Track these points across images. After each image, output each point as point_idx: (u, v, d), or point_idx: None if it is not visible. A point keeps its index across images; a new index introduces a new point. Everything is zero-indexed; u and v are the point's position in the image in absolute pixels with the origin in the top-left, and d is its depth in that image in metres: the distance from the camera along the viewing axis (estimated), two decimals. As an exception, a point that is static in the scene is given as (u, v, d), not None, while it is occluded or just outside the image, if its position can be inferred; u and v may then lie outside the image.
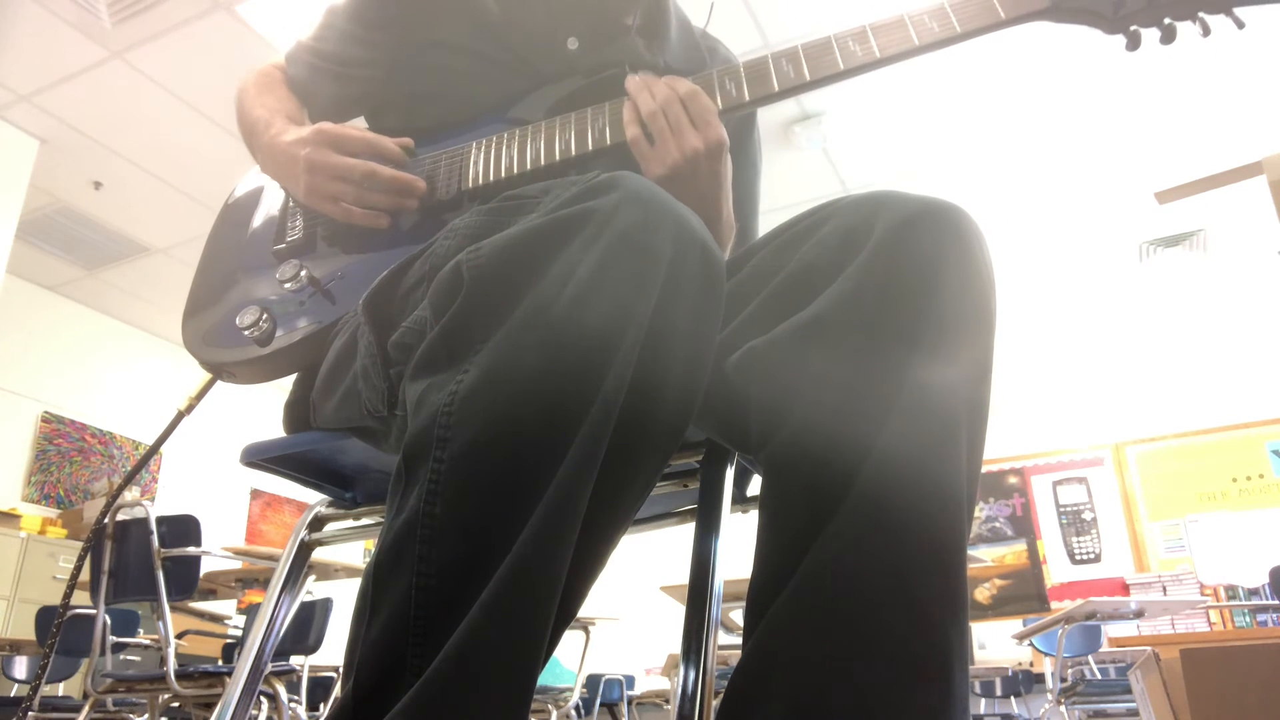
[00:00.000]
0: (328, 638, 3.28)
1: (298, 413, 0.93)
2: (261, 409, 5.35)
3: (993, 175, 4.47)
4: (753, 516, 0.69)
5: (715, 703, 0.63)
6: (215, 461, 6.08)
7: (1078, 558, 6.35)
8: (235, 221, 1.06)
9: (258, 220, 1.03)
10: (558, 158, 0.87)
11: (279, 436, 0.95)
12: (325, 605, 3.28)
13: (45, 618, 3.49)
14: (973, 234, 0.65)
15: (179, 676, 2.40)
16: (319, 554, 1.20)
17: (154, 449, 1.10)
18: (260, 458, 0.95)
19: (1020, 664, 5.68)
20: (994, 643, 6.19)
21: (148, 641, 3.68)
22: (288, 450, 0.93)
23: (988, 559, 6.52)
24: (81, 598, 2.67)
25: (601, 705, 4.94)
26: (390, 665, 0.51)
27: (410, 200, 0.91)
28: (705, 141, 0.82)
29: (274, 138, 0.96)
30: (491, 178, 0.89)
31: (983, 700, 5.54)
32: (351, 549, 5.74)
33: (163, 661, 2.40)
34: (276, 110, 1.00)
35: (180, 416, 1.06)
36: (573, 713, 3.52)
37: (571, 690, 3.50)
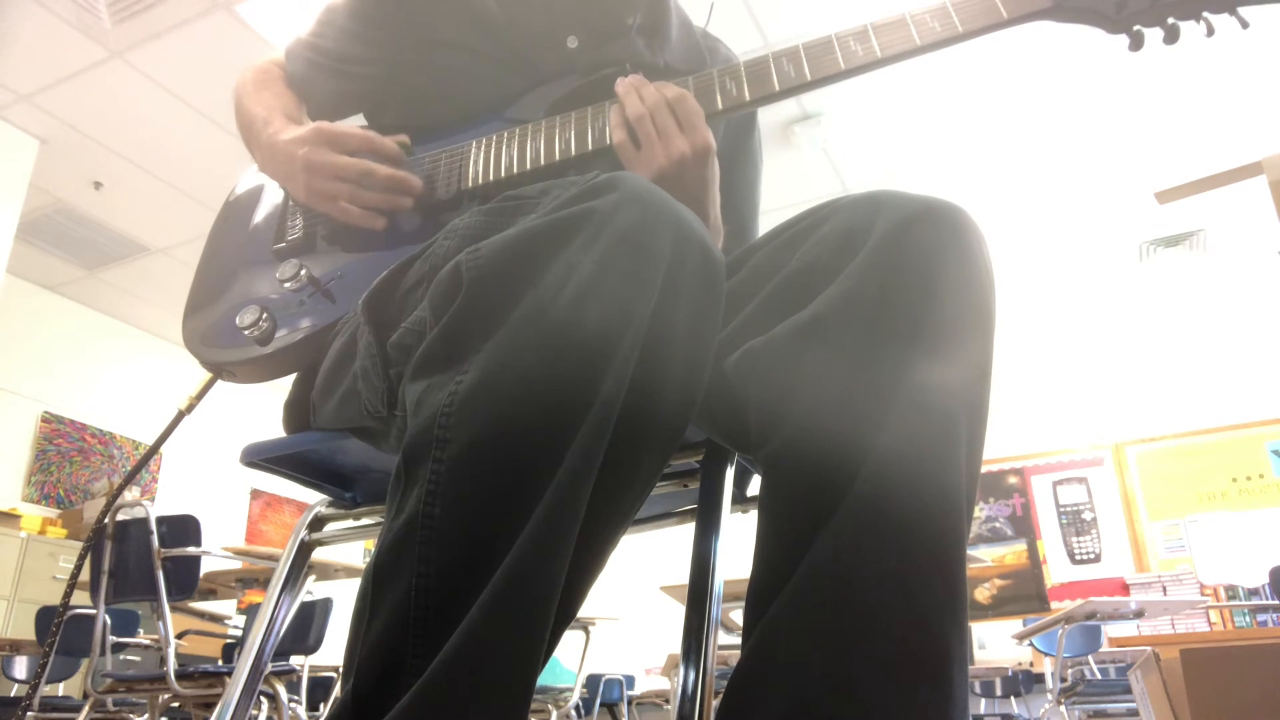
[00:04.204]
0: (328, 638, 3.27)
1: (297, 413, 0.93)
2: (261, 409, 5.34)
3: (993, 175, 4.47)
4: (753, 516, 0.69)
5: (715, 703, 0.63)
6: (215, 461, 6.08)
7: (1078, 558, 6.35)
8: (236, 220, 1.06)
9: (258, 219, 1.03)
10: (557, 157, 0.87)
11: (279, 436, 0.95)
12: (325, 605, 3.28)
13: (45, 618, 3.49)
14: (972, 234, 0.65)
15: (179, 676, 2.40)
16: (319, 554, 1.20)
17: (154, 449, 1.10)
18: (260, 458, 0.95)
19: (1020, 664, 5.68)
20: (994, 643, 6.19)
21: (148, 641, 3.68)
22: (288, 450, 0.93)
23: (988, 559, 6.52)
24: (81, 598, 2.67)
25: (601, 705, 4.94)
26: (390, 666, 0.51)
27: (406, 199, 0.91)
28: (692, 146, 0.81)
29: (272, 136, 0.96)
30: (491, 177, 0.89)
31: (983, 700, 5.54)
32: (351, 549, 5.74)
33: (163, 661, 2.40)
34: (274, 108, 1.00)
35: (181, 416, 1.06)
36: (573, 713, 3.52)
37: (571, 690, 3.50)
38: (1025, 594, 6.39)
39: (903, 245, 0.63)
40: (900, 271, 0.63)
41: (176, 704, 2.76)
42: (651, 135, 0.82)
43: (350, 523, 1.03)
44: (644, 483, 0.62)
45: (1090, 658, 4.35)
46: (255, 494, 6.48)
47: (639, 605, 6.12)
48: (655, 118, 0.82)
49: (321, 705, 4.19)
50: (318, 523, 1.03)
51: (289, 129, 0.95)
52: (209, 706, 2.61)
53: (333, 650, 2.84)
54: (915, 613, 0.55)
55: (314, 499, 1.05)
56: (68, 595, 1.23)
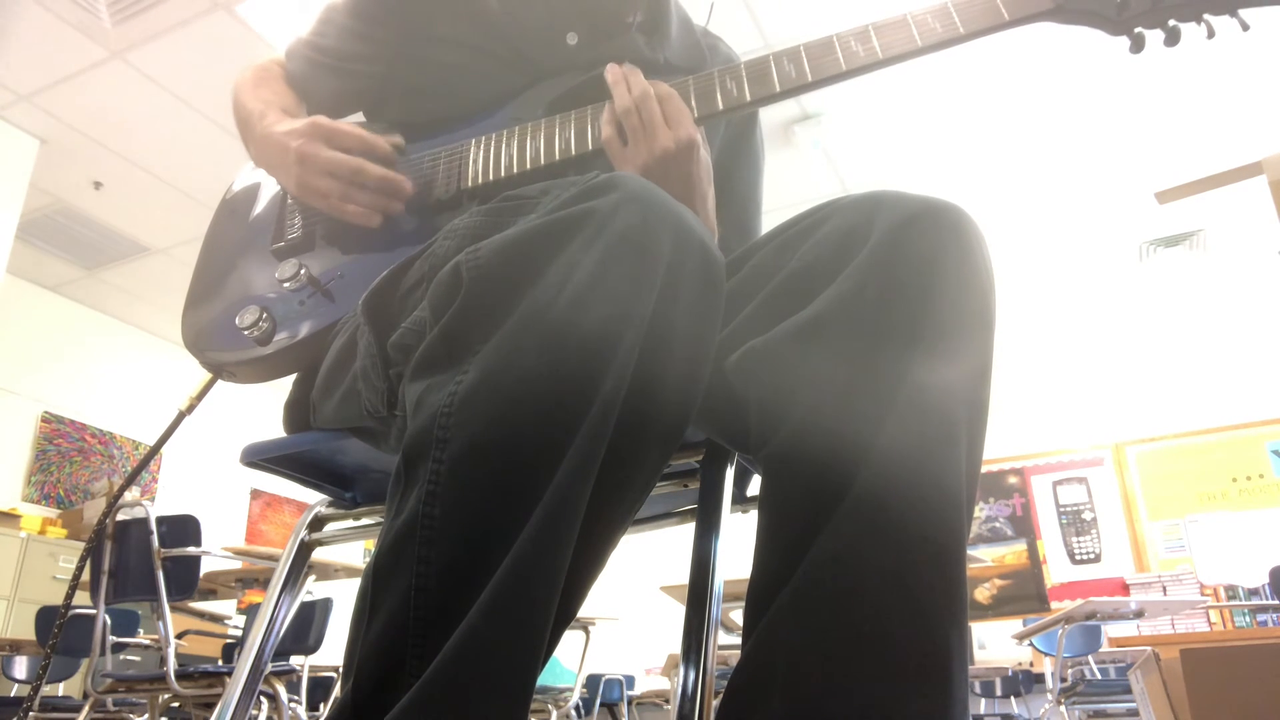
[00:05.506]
0: (328, 638, 3.27)
1: (298, 413, 0.93)
2: (261, 409, 5.35)
3: (993, 175, 4.47)
4: (753, 516, 0.69)
5: (715, 703, 0.63)
6: (215, 461, 6.08)
7: (1078, 558, 6.35)
8: (234, 218, 1.05)
9: (256, 217, 1.02)
10: (557, 156, 0.87)
11: (279, 436, 0.95)
12: (325, 605, 3.28)
13: (45, 618, 3.49)
14: (972, 234, 0.65)
15: (179, 676, 2.40)
16: (319, 554, 1.20)
17: (155, 449, 1.10)
18: (260, 458, 0.95)
19: (1020, 664, 5.67)
20: (994, 643, 6.19)
21: (148, 641, 3.68)
22: (288, 450, 0.93)
23: (988, 559, 6.52)
24: (82, 598, 2.67)
25: (601, 705, 4.94)
26: (389, 667, 0.51)
27: (396, 202, 0.90)
28: (676, 140, 0.81)
29: (267, 128, 0.96)
30: (491, 176, 0.89)
31: (983, 700, 5.54)
32: (351, 549, 5.74)
33: (163, 661, 2.40)
34: (271, 102, 1.00)
35: (181, 416, 1.06)
36: (573, 713, 3.52)
37: (571, 690, 3.50)
38: (1025, 594, 6.39)
39: (902, 245, 0.63)
40: (900, 271, 0.63)
41: (176, 704, 2.76)
42: (637, 129, 0.82)
43: (350, 523, 1.03)
44: (644, 483, 0.62)
45: (1090, 658, 4.34)
46: (255, 494, 6.48)
47: (639, 605, 6.11)
48: (641, 110, 0.82)
49: (321, 705, 4.19)
50: (318, 523, 1.03)
51: (284, 122, 0.95)
52: (209, 706, 2.61)
53: (333, 650, 2.84)
54: (915, 613, 0.55)
55: (314, 499, 1.05)
56: (70, 596, 1.23)
